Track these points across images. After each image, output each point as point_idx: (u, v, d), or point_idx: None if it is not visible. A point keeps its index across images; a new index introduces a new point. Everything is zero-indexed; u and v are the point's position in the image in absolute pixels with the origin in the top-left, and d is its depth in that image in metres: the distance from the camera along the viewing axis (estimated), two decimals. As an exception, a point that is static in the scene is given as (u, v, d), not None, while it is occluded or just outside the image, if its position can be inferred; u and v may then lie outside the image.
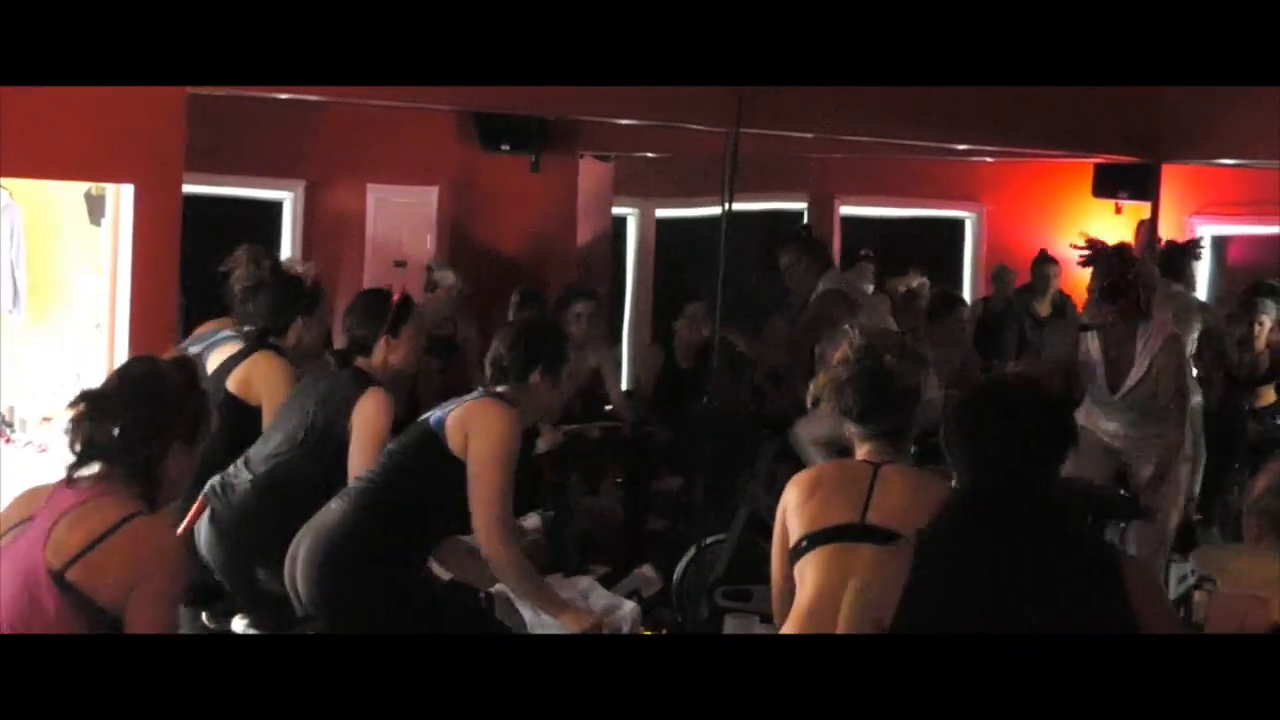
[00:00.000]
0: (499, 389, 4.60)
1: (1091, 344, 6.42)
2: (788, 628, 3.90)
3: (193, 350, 5.19)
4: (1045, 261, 10.42)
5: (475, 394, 4.62)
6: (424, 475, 4.50)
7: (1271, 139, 8.11)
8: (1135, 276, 6.27)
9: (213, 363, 5.46)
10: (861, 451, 4.05)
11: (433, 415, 4.54)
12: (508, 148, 9.72)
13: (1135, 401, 6.36)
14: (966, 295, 11.25)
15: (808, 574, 3.90)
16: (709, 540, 6.81)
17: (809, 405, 4.24)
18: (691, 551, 6.80)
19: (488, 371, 4.69)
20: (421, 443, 4.53)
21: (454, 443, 4.45)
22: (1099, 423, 6.46)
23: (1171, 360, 6.33)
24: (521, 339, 4.70)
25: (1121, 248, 6.50)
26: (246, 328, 5.68)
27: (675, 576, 6.77)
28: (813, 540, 3.91)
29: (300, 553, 4.50)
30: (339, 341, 6.32)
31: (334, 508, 4.53)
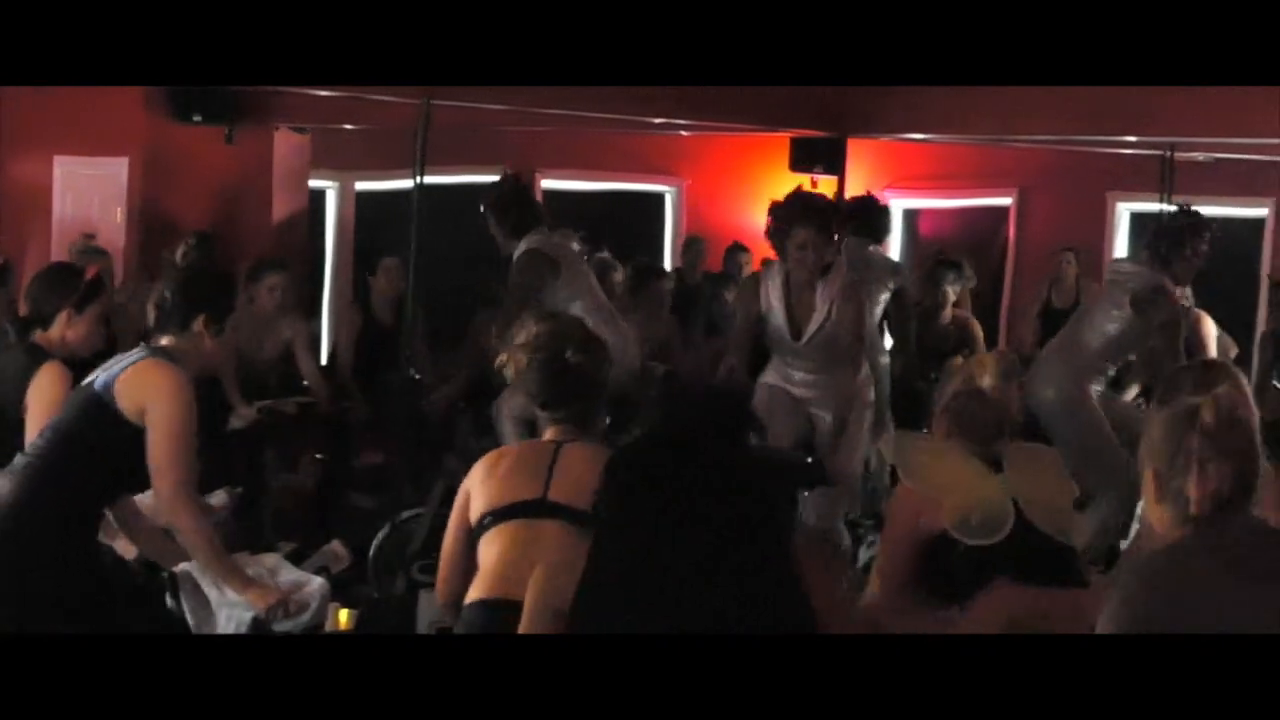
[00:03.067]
0: (163, 341, 4.40)
1: (773, 292, 6.55)
2: (471, 595, 3.90)
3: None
4: (738, 250, 10.62)
5: (139, 352, 4.33)
6: (94, 442, 4.24)
7: (948, 115, 8.39)
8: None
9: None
10: (548, 432, 4.12)
11: (97, 379, 4.27)
12: (200, 119, 9.48)
13: (818, 347, 6.53)
14: (667, 269, 11.36)
15: (490, 550, 3.91)
16: (404, 515, 6.75)
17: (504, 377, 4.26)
18: (386, 527, 6.74)
19: (151, 316, 4.50)
20: (88, 409, 4.26)
21: (125, 405, 4.19)
22: (786, 372, 6.61)
23: (851, 307, 6.50)
24: (186, 285, 4.54)
25: (798, 190, 6.67)
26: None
27: (371, 552, 6.70)
28: (496, 516, 3.93)
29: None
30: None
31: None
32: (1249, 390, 3.02)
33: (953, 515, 4.06)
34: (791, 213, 6.45)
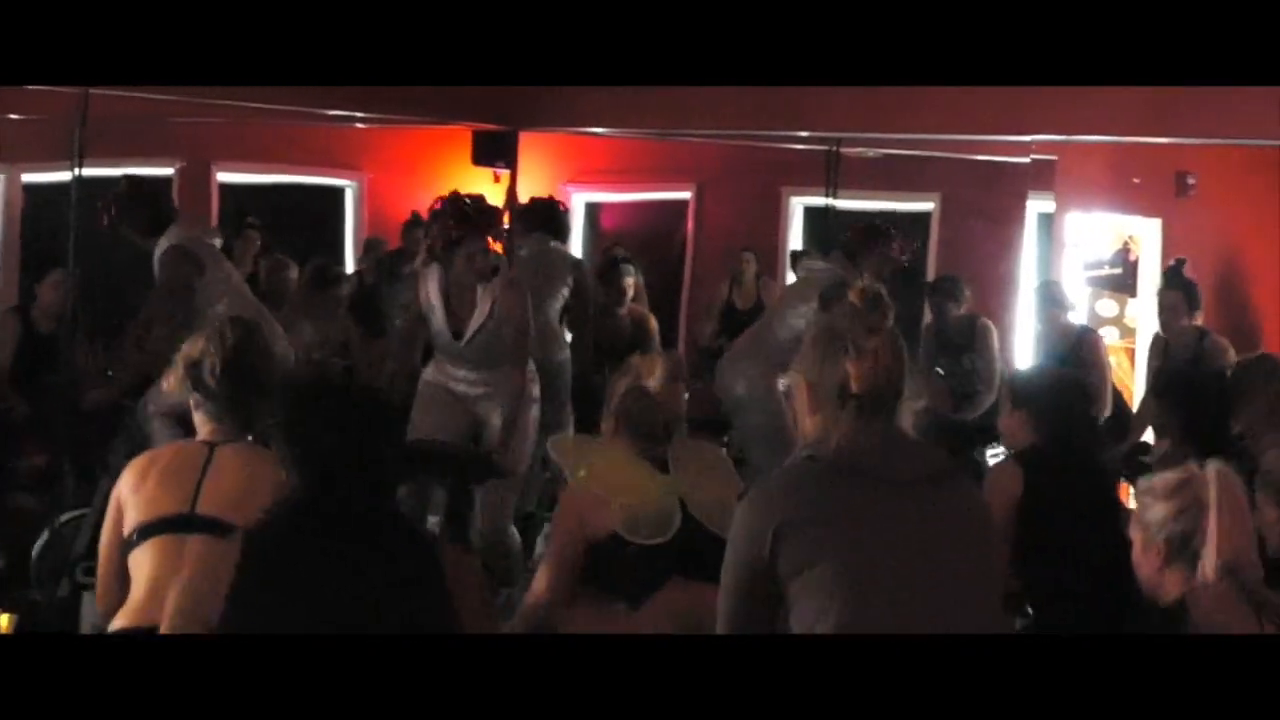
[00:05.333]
0: None
1: (431, 291, 6.47)
2: (117, 623, 3.78)
3: None
4: (415, 225, 10.52)
5: None
6: None
7: (621, 110, 8.46)
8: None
9: None
10: (204, 431, 4.01)
11: None
12: None
13: (481, 346, 6.45)
14: (350, 265, 11.21)
15: (139, 568, 3.80)
16: (66, 517, 6.54)
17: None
18: (47, 531, 6.51)
19: None
20: None
21: None
22: (449, 372, 6.55)
23: (515, 305, 6.43)
24: None
25: (455, 196, 6.53)
26: None
27: (34, 555, 6.47)
28: (143, 532, 3.82)
29: None
30: None
31: None
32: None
33: (620, 516, 4.13)
34: (454, 220, 6.34)
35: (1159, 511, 3.52)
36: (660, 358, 4.50)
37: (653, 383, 4.35)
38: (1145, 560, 3.56)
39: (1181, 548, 3.46)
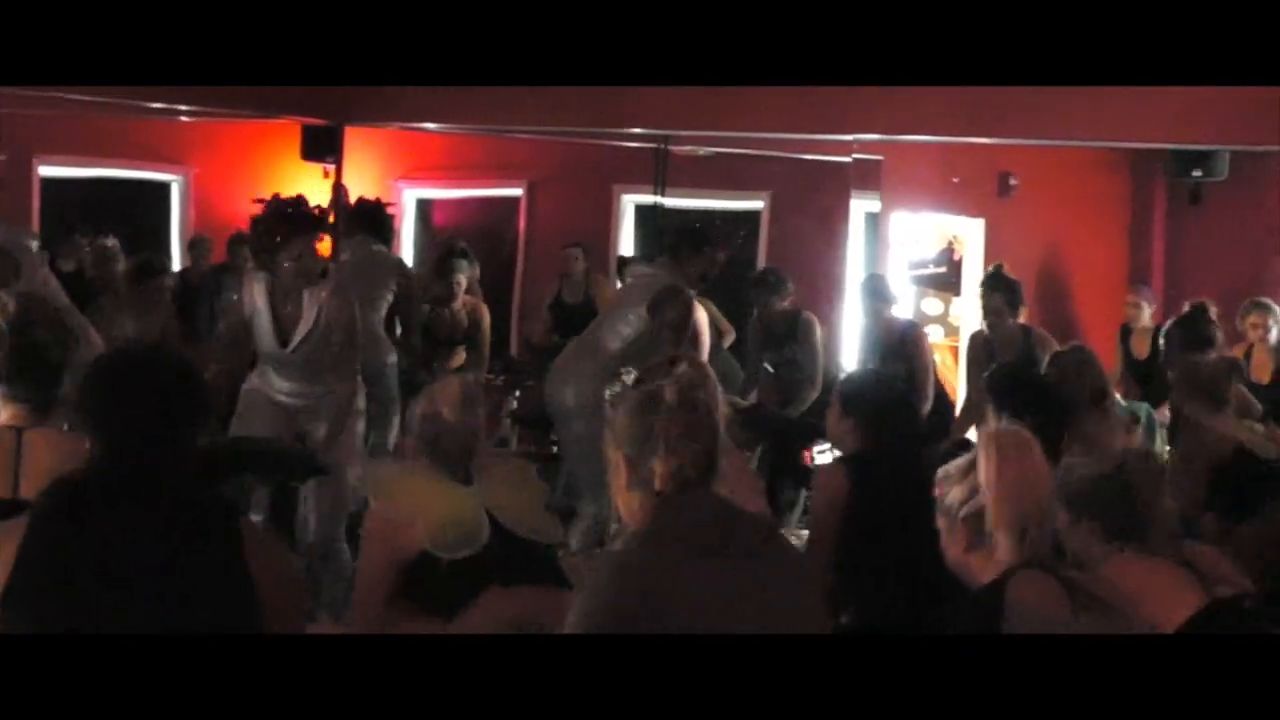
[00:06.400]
0: None
1: (258, 297, 6.37)
2: None
3: None
4: (241, 242, 10.39)
5: None
6: None
7: (449, 106, 8.44)
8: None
9: None
10: (4, 415, 3.96)
11: None
12: None
13: (307, 355, 6.34)
14: (176, 261, 11.04)
15: None
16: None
17: None
18: None
19: None
20: None
21: None
22: (273, 381, 6.45)
23: (342, 312, 6.34)
24: None
25: (276, 200, 6.45)
26: None
27: None
28: None
29: None
30: None
31: None
32: (712, 375, 3.14)
33: (428, 534, 4.16)
34: (279, 224, 6.25)
35: (956, 494, 3.58)
36: (456, 385, 4.50)
37: (447, 411, 4.37)
38: (951, 544, 3.63)
39: (981, 527, 3.52)
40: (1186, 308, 8.06)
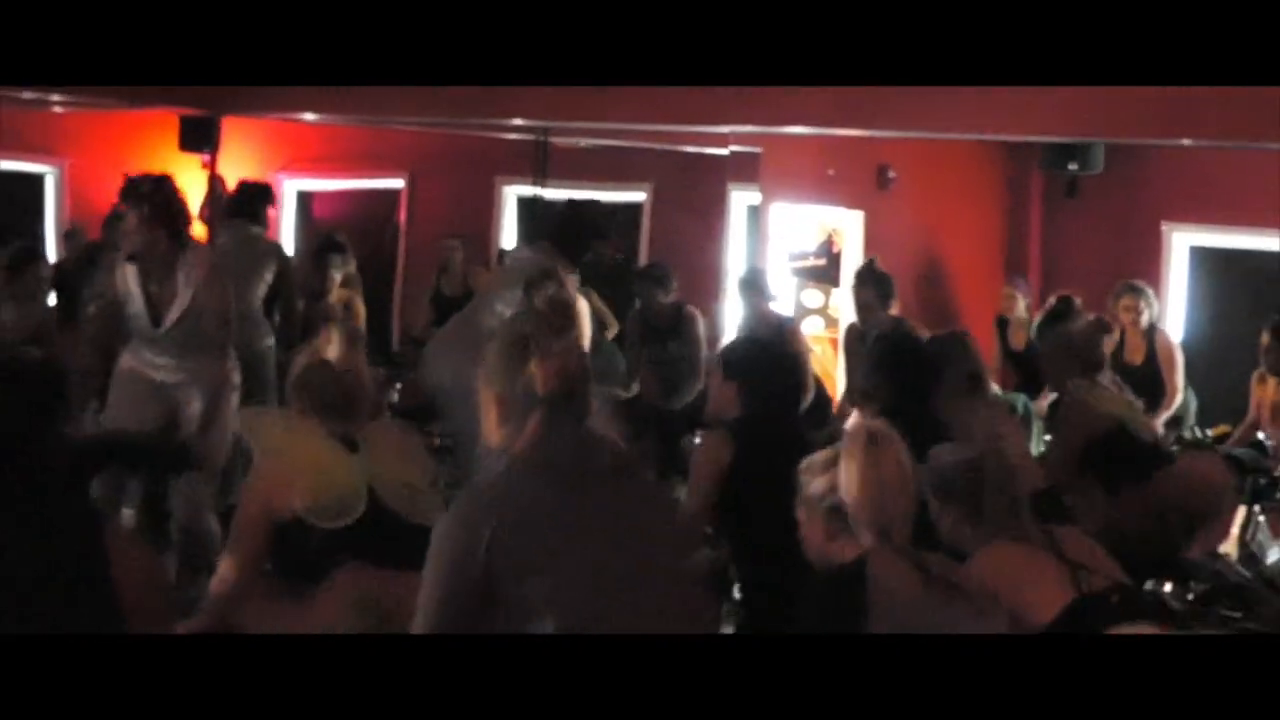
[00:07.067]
0: None
1: (129, 277, 6.34)
2: None
3: None
4: (116, 219, 10.23)
5: None
6: None
7: (325, 97, 8.39)
8: (173, 206, 6.27)
9: None
10: None
11: None
12: None
13: (181, 335, 6.34)
14: (52, 253, 10.86)
15: None
16: None
17: None
18: None
19: None
20: None
21: None
22: (147, 359, 6.42)
23: (214, 290, 6.35)
24: None
25: (160, 178, 6.43)
26: None
27: None
28: None
29: None
30: None
31: None
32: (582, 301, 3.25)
33: (305, 497, 4.00)
34: (122, 197, 6.30)
35: (818, 486, 3.63)
36: (337, 328, 4.41)
37: (331, 353, 4.26)
38: (811, 533, 3.68)
39: (843, 518, 3.57)
40: (1053, 301, 8.19)
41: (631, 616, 3.05)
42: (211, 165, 10.26)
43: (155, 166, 10.98)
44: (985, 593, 3.70)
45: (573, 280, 7.11)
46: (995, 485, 4.21)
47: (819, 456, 3.70)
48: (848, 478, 3.55)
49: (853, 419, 5.28)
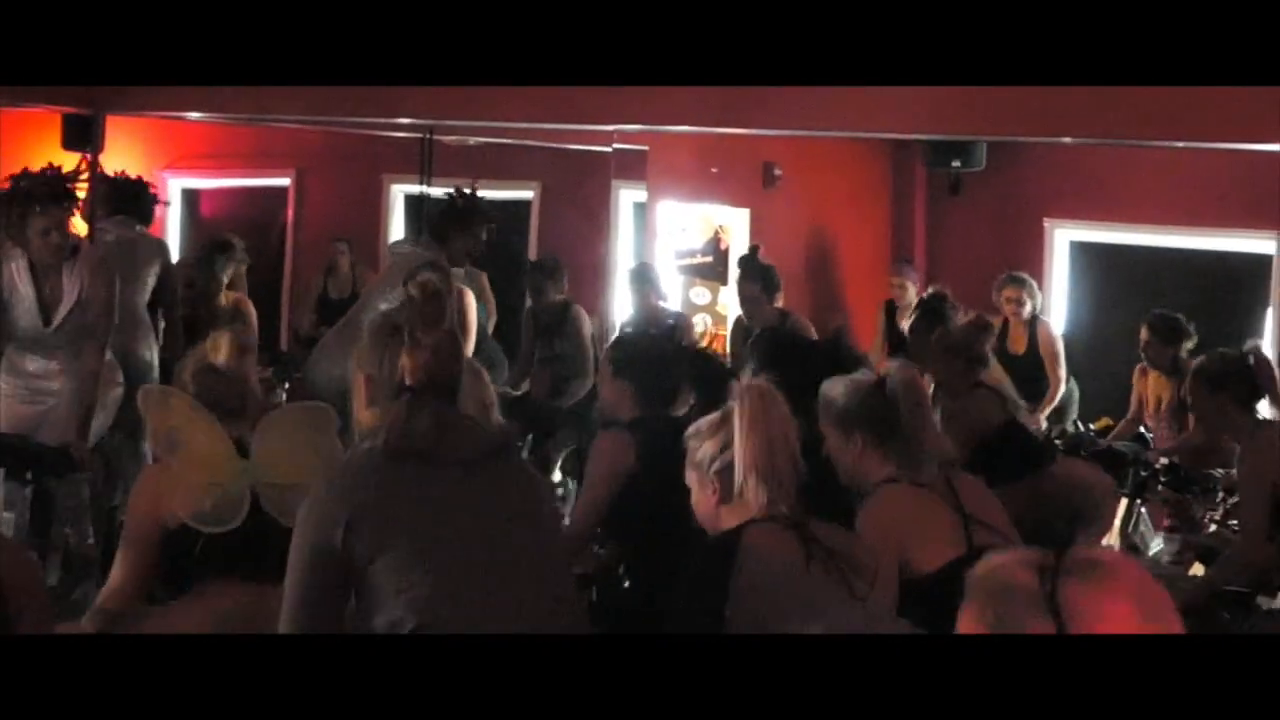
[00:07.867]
0: None
1: (17, 275, 6.28)
2: None
3: None
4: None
5: None
6: None
7: (217, 96, 8.33)
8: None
9: None
10: None
11: None
12: None
13: (69, 333, 6.31)
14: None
15: None
16: None
17: None
18: None
19: None
20: None
21: None
22: (21, 360, 6.40)
23: (98, 284, 6.32)
24: None
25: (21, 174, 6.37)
26: None
27: None
28: None
29: None
30: None
31: None
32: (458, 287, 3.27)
33: (190, 500, 3.86)
34: (28, 195, 6.19)
35: (707, 449, 3.64)
36: (226, 333, 4.34)
37: (220, 358, 4.18)
38: (702, 499, 3.69)
39: (733, 481, 3.58)
40: (926, 294, 8.28)
41: (490, 598, 3.08)
42: (93, 165, 10.11)
43: (37, 165, 10.94)
44: (872, 547, 3.71)
45: (457, 272, 7.11)
46: (908, 403, 4.24)
47: (705, 421, 3.71)
48: (740, 433, 3.53)
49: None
